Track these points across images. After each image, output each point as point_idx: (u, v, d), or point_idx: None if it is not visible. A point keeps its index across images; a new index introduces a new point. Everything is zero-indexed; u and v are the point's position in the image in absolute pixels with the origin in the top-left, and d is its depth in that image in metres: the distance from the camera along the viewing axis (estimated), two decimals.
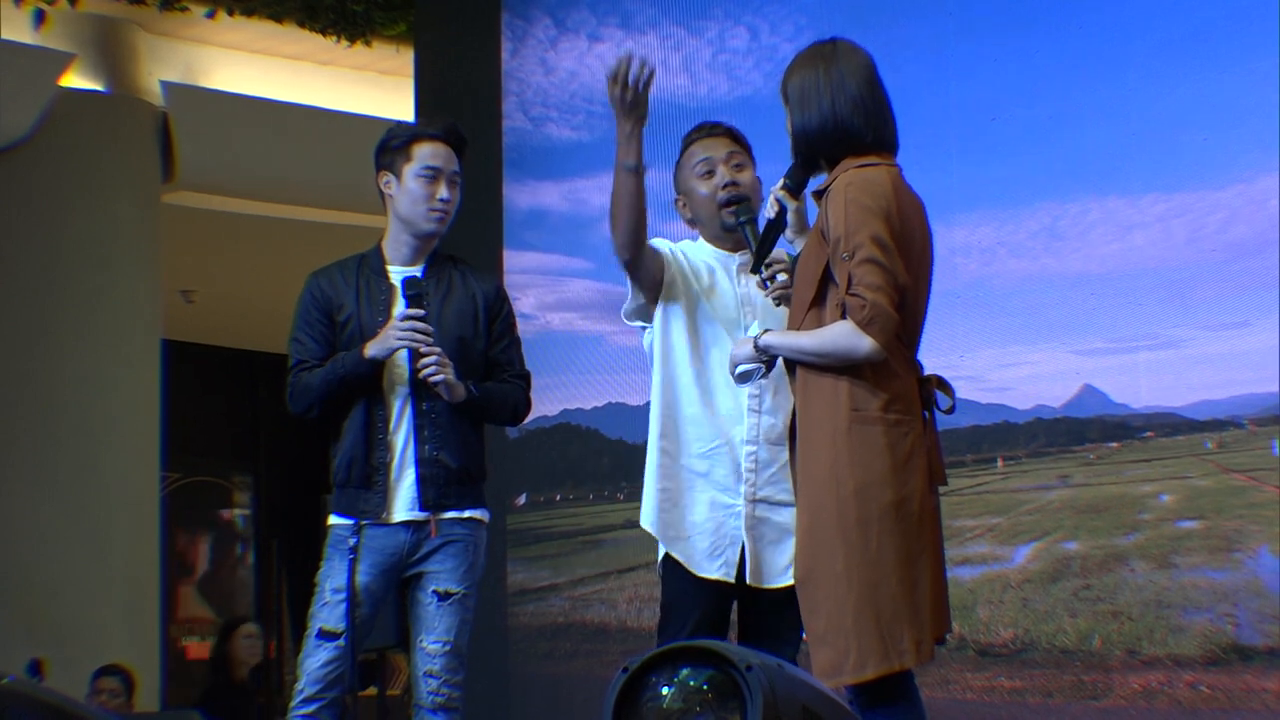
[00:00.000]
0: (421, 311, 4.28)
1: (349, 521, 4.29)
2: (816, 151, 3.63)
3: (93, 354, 9.59)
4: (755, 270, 3.86)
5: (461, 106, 7.75)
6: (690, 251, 4.16)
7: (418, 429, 4.31)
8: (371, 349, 4.29)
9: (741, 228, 4.02)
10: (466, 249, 7.27)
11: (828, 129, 3.58)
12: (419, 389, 4.30)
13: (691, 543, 4.06)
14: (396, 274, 4.41)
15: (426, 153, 4.39)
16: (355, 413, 4.32)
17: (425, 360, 4.25)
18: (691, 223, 4.19)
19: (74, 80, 9.73)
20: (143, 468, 9.82)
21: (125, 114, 9.89)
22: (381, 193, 4.44)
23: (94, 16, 9.75)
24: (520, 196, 7.45)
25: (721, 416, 4.06)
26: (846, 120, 3.57)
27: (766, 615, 4.06)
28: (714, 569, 4.04)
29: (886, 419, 3.46)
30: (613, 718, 2.45)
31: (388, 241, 4.46)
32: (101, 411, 9.58)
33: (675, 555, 4.06)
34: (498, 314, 4.46)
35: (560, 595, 6.99)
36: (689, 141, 4.21)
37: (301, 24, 9.72)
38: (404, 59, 9.30)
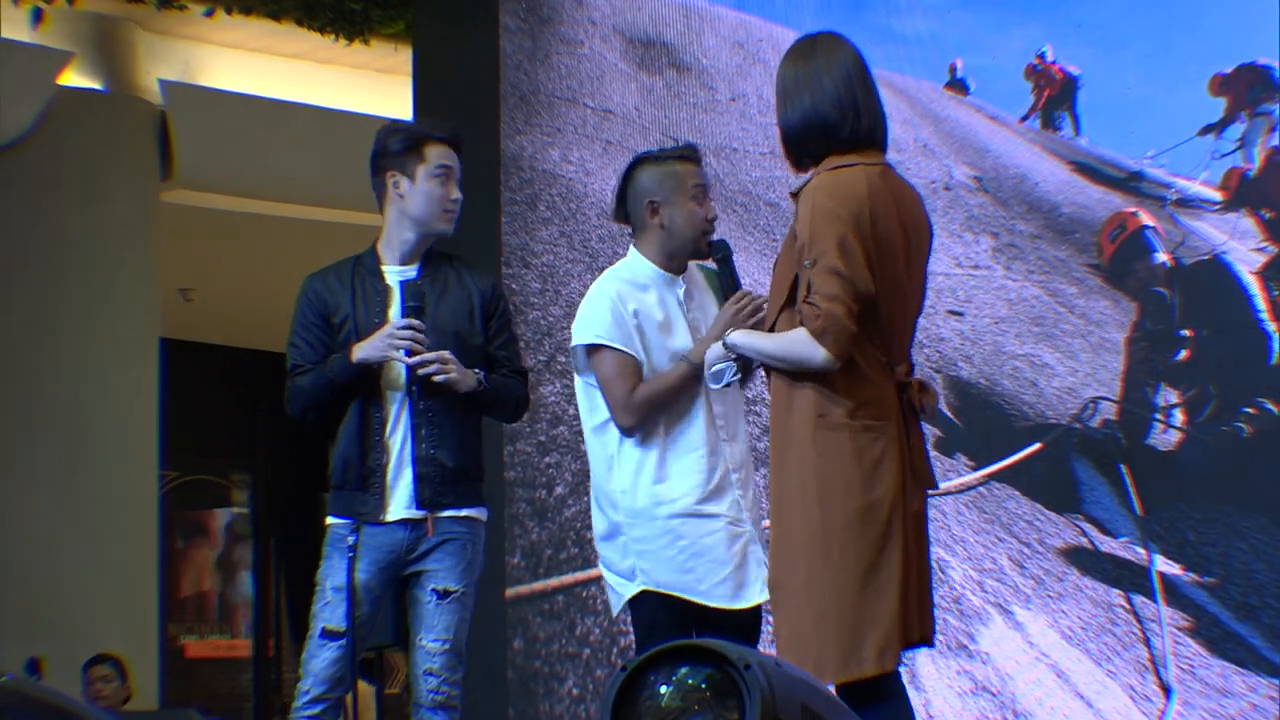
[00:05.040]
0: (419, 322, 4.26)
1: (347, 522, 4.30)
2: (800, 149, 3.59)
3: (91, 352, 9.58)
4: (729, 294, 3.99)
5: (460, 104, 7.73)
6: (634, 291, 4.17)
7: (415, 428, 4.30)
8: (360, 353, 4.27)
9: (722, 263, 4.13)
10: (465, 247, 7.28)
11: (808, 124, 3.54)
12: (416, 389, 4.30)
13: (729, 582, 4.12)
14: (392, 274, 4.40)
15: (439, 153, 4.38)
16: (351, 415, 4.32)
17: (423, 359, 4.24)
18: (659, 227, 4.18)
19: (72, 79, 9.73)
20: (141, 466, 9.82)
21: (124, 112, 9.88)
22: (384, 192, 4.42)
23: (92, 15, 9.74)
24: (518, 194, 7.45)
25: (710, 450, 4.14)
26: (824, 115, 3.52)
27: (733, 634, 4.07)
28: (756, 594, 4.12)
29: (853, 425, 3.43)
30: (611, 716, 2.44)
31: (384, 241, 4.44)
32: (100, 410, 9.57)
33: (711, 602, 4.10)
34: (495, 311, 4.45)
35: (560, 595, 6.99)
36: (682, 158, 4.22)
37: (300, 22, 9.71)
38: (403, 57, 9.29)
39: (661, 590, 4.12)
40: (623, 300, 4.13)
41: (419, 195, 4.36)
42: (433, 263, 4.44)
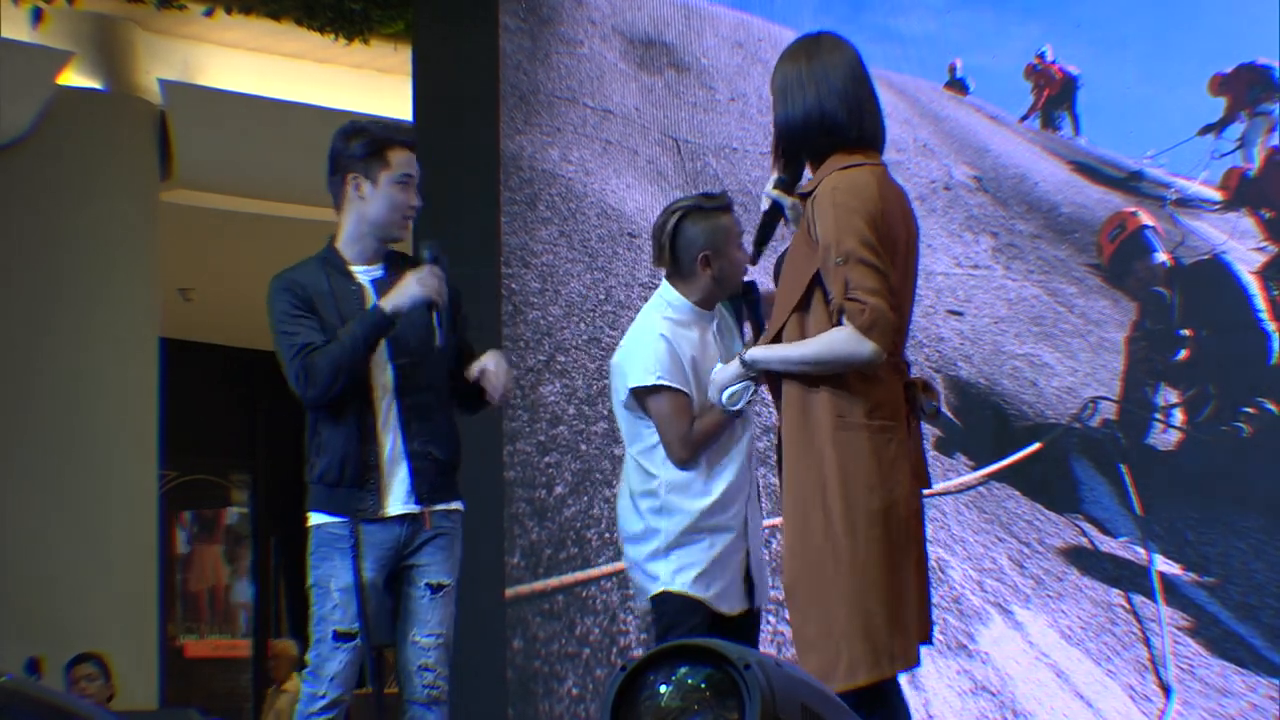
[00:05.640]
0: (441, 273, 4.31)
1: (342, 520, 4.29)
2: (800, 146, 3.57)
3: (91, 352, 9.58)
4: (754, 261, 4.03)
5: (460, 104, 7.73)
6: (680, 330, 4.30)
7: (405, 424, 4.33)
8: (392, 302, 4.27)
9: (752, 305, 4.30)
10: (465, 247, 7.27)
11: (811, 123, 3.53)
12: (403, 386, 4.32)
13: (732, 588, 4.27)
14: (361, 274, 4.40)
15: (403, 160, 4.38)
16: (343, 412, 4.31)
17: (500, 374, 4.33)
18: (710, 278, 4.31)
19: (72, 78, 9.72)
20: (141, 466, 9.82)
21: (123, 112, 9.88)
22: (342, 193, 4.39)
23: (92, 14, 9.74)
24: (518, 193, 7.45)
25: (739, 471, 4.31)
26: (831, 114, 3.52)
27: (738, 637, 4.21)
28: (740, 601, 4.30)
29: (871, 425, 3.44)
30: (611, 716, 2.44)
31: (345, 242, 4.42)
32: (99, 410, 9.57)
33: (720, 608, 4.24)
34: (458, 304, 4.47)
35: (560, 595, 6.99)
36: (724, 209, 4.34)
37: (300, 22, 9.71)
38: (402, 57, 9.29)
39: (686, 593, 4.25)
40: (675, 341, 4.26)
41: (380, 200, 4.36)
42: (394, 263, 4.44)
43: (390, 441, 4.32)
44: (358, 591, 4.23)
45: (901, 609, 3.41)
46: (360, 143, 4.37)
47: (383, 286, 4.36)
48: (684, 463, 4.24)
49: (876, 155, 3.57)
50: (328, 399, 4.29)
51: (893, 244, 3.48)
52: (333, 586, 4.28)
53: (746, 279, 4.36)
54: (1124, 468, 5.74)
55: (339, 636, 4.25)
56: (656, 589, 4.30)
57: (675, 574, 4.25)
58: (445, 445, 4.38)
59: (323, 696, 4.27)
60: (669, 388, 4.23)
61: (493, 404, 4.42)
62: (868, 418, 3.44)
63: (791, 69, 3.57)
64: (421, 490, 4.33)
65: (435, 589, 4.34)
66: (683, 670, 2.45)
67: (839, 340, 3.43)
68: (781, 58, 3.64)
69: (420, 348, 4.33)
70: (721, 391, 3.74)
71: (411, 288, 4.27)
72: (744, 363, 3.62)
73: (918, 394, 3.54)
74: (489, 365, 4.36)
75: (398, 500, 4.32)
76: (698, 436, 4.22)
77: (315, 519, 4.34)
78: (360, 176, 4.36)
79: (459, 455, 4.44)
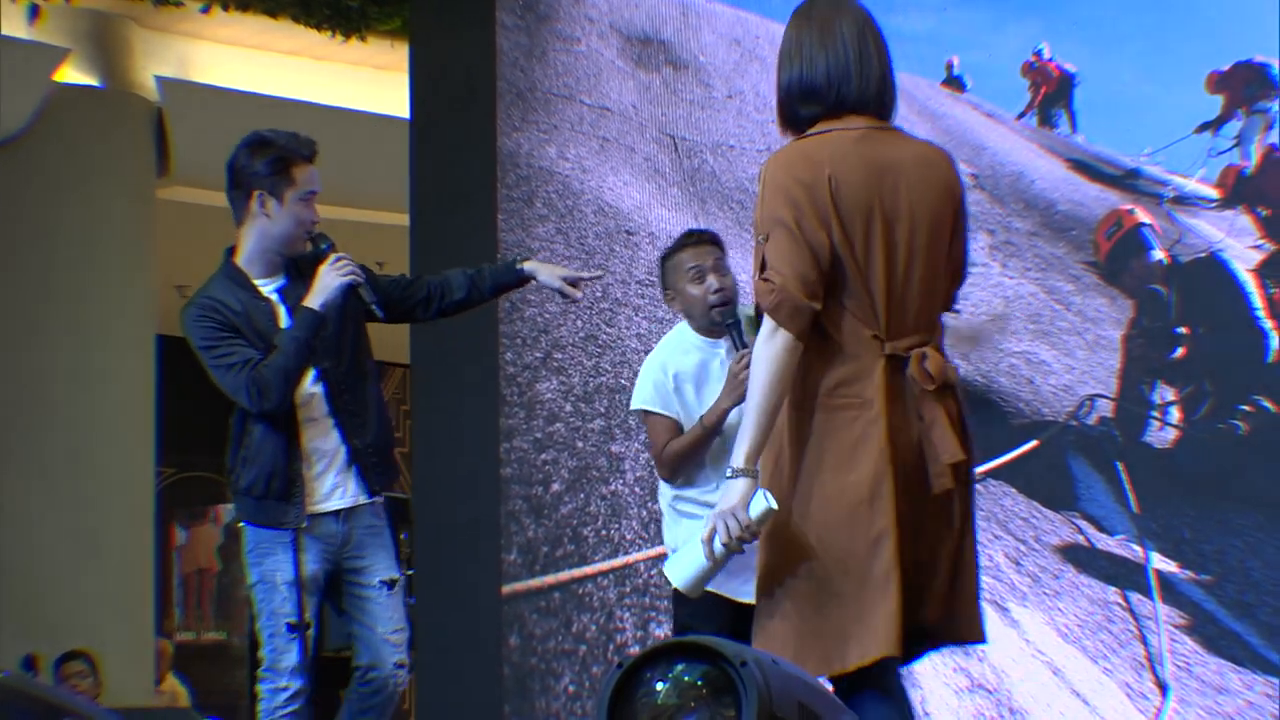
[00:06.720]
0: (346, 255, 4.35)
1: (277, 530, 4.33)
2: (788, 113, 3.41)
3: (88, 349, 9.58)
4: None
5: (457, 101, 7.73)
6: (679, 357, 4.49)
7: (341, 424, 4.35)
8: (318, 299, 4.30)
9: (730, 328, 4.43)
10: (461, 244, 7.28)
11: (793, 92, 3.37)
12: (332, 389, 4.35)
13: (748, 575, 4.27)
14: (266, 287, 4.41)
15: (306, 176, 4.38)
16: (272, 424, 4.32)
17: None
18: (680, 313, 4.53)
19: (69, 75, 9.72)
20: (138, 463, 9.82)
21: (120, 109, 9.88)
22: (245, 208, 4.40)
23: (89, 11, 9.74)
24: (515, 190, 7.44)
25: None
26: (809, 83, 3.34)
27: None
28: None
29: (829, 404, 3.23)
30: (608, 714, 2.44)
31: (248, 258, 4.43)
32: (96, 407, 9.57)
33: (741, 598, 4.19)
34: (377, 279, 4.47)
35: (556, 592, 6.99)
36: (679, 247, 4.49)
37: (297, 19, 9.70)
38: (399, 54, 9.29)
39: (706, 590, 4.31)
40: (665, 369, 4.47)
41: (286, 218, 4.37)
42: (291, 267, 4.44)
43: (325, 446, 4.36)
44: (298, 587, 4.25)
45: (863, 601, 3.18)
46: (265, 160, 4.38)
47: (289, 294, 4.37)
48: (665, 479, 4.45)
49: (866, 120, 3.33)
50: (284, 407, 4.33)
51: (853, 211, 3.26)
52: (279, 580, 4.30)
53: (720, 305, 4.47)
54: (1121, 465, 5.74)
55: (293, 628, 4.27)
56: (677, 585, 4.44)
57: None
58: (381, 434, 4.42)
59: (285, 689, 4.29)
60: (653, 413, 4.46)
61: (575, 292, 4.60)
62: (827, 396, 3.24)
63: (787, 35, 3.42)
64: (372, 482, 4.39)
65: (390, 585, 4.40)
66: (679, 667, 2.45)
67: (760, 357, 3.23)
68: (787, 22, 3.51)
69: (334, 346, 4.36)
70: (752, 506, 3.28)
71: (329, 279, 4.31)
72: (736, 470, 3.25)
73: (920, 366, 3.24)
74: (548, 281, 4.58)
75: (335, 498, 4.36)
76: (669, 456, 4.42)
77: (247, 526, 4.40)
78: (265, 194, 4.37)
79: (393, 435, 4.53)
